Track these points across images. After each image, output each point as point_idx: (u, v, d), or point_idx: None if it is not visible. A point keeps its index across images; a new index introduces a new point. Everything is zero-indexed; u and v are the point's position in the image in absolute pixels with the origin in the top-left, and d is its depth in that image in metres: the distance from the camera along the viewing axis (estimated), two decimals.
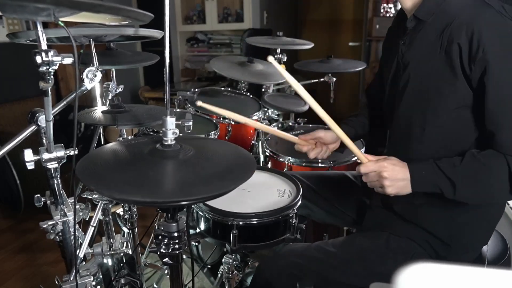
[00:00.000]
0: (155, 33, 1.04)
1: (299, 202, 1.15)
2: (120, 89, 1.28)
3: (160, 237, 0.77)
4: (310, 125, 2.03)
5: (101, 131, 1.42)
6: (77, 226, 0.99)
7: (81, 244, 1.09)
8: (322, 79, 2.30)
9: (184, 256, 1.62)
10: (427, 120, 0.99)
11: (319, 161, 1.57)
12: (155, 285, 1.71)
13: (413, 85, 1.01)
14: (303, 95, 0.98)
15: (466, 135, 0.97)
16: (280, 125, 2.04)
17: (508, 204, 1.63)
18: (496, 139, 0.89)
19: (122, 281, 1.39)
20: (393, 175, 0.95)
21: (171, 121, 0.75)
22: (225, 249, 1.12)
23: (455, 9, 0.92)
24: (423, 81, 0.98)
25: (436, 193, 0.94)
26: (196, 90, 1.91)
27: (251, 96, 2.08)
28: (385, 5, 4.09)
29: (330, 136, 1.24)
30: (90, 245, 1.20)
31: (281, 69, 0.96)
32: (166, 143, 0.75)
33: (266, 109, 1.93)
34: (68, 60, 0.73)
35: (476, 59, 0.86)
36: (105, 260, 1.30)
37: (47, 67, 0.71)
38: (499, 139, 0.88)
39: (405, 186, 0.95)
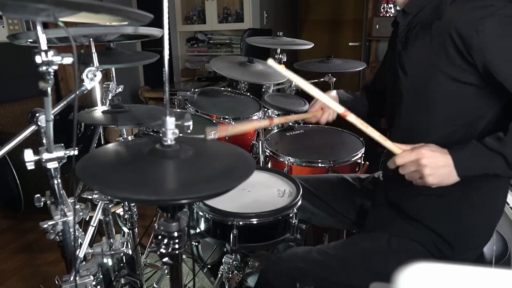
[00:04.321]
0: (154, 31, 1.04)
1: (299, 202, 1.15)
2: (120, 89, 1.28)
3: (160, 237, 0.76)
4: (310, 125, 2.03)
5: (101, 131, 1.42)
6: (77, 226, 0.99)
7: (81, 244, 1.10)
8: (322, 79, 2.30)
9: (184, 256, 1.62)
10: (431, 113, 0.99)
11: (319, 161, 1.57)
12: (155, 285, 1.71)
13: (412, 82, 1.02)
14: (315, 93, 0.97)
15: (478, 116, 0.95)
16: (280, 125, 2.04)
17: (508, 204, 1.63)
18: None
19: (122, 281, 1.39)
20: (433, 162, 0.87)
21: (170, 121, 0.74)
22: (225, 249, 1.13)
23: (445, 2, 0.92)
24: (421, 78, 0.99)
25: (455, 186, 0.90)
26: (196, 90, 1.91)
27: (251, 96, 2.08)
28: (385, 5, 4.09)
29: (334, 100, 1.25)
30: (90, 245, 1.20)
31: (282, 69, 0.96)
32: (165, 143, 0.75)
33: (266, 109, 1.93)
34: (68, 60, 0.73)
35: (473, 46, 0.87)
36: (105, 260, 1.30)
37: (47, 67, 0.71)
38: None
39: (448, 174, 0.88)
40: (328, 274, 1.03)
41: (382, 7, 4.10)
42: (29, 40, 0.96)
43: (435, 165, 0.88)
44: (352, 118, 0.97)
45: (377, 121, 4.20)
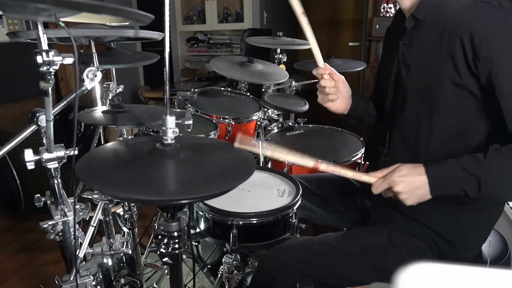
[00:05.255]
0: (155, 35, 1.04)
1: (299, 202, 1.15)
2: (120, 89, 1.28)
3: (160, 237, 0.77)
4: (310, 125, 2.03)
5: (101, 131, 1.43)
6: (77, 226, 1.00)
7: (81, 244, 1.10)
8: None
9: (184, 256, 1.62)
10: (434, 117, 0.98)
11: (319, 161, 1.56)
12: (155, 285, 1.71)
13: (417, 85, 1.01)
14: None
15: (474, 126, 0.95)
16: (280, 125, 2.05)
17: (508, 204, 1.63)
18: None
19: (122, 281, 1.39)
20: (406, 187, 0.90)
21: (171, 120, 0.74)
22: (225, 249, 1.13)
23: (454, 8, 0.92)
24: (426, 81, 0.98)
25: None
26: (196, 90, 1.90)
27: (251, 96, 2.08)
28: (385, 5, 4.09)
29: (347, 90, 1.22)
30: (90, 245, 1.20)
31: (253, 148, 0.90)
32: (166, 142, 0.75)
33: (266, 109, 1.93)
34: (69, 60, 0.73)
35: (481, 56, 0.85)
36: (105, 260, 1.30)
37: (48, 67, 0.71)
38: None
39: (424, 194, 0.91)
40: (329, 265, 1.03)
41: (382, 7, 4.10)
42: (29, 38, 0.96)
43: (409, 189, 0.90)
44: (323, 167, 1.00)
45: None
